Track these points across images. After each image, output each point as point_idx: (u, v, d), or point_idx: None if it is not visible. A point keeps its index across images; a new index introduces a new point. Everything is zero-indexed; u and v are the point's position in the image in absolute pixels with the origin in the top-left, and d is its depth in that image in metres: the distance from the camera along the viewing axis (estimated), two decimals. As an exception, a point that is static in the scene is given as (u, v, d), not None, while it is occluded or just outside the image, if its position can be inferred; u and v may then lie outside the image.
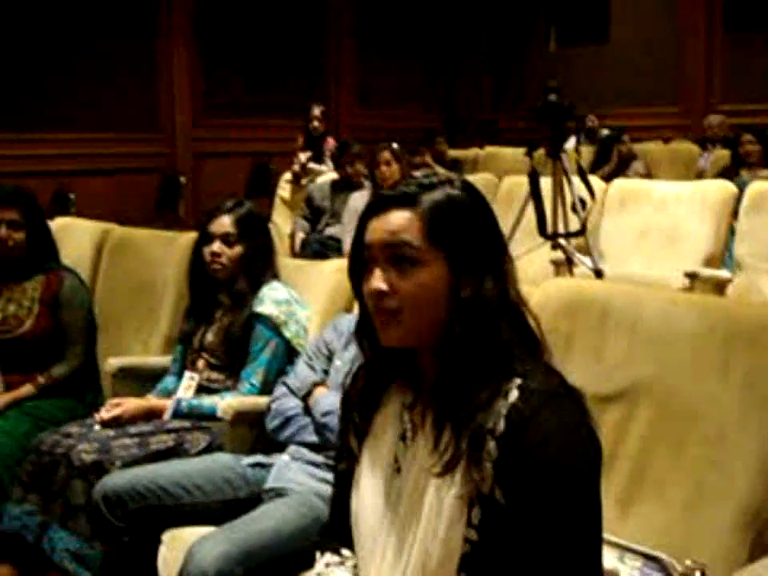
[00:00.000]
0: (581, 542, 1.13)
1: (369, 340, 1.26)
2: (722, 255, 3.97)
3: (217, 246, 2.49)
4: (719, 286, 3.71)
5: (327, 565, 1.34)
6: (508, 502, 1.13)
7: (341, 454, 1.35)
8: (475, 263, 1.18)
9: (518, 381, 1.15)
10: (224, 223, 2.51)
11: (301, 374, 2.16)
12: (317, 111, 6.42)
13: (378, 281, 1.19)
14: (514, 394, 1.14)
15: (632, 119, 7.36)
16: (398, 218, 1.19)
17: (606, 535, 1.60)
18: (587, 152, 6.61)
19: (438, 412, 1.19)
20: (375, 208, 1.22)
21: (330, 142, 6.31)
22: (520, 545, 1.12)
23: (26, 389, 2.71)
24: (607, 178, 4.58)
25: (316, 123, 6.38)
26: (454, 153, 7.45)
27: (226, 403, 2.29)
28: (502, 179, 4.76)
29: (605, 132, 6.56)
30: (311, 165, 6.16)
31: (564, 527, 1.11)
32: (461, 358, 1.17)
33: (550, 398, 1.14)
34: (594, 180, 4.20)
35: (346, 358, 2.09)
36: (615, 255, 4.08)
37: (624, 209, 4.17)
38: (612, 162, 6.08)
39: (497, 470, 1.13)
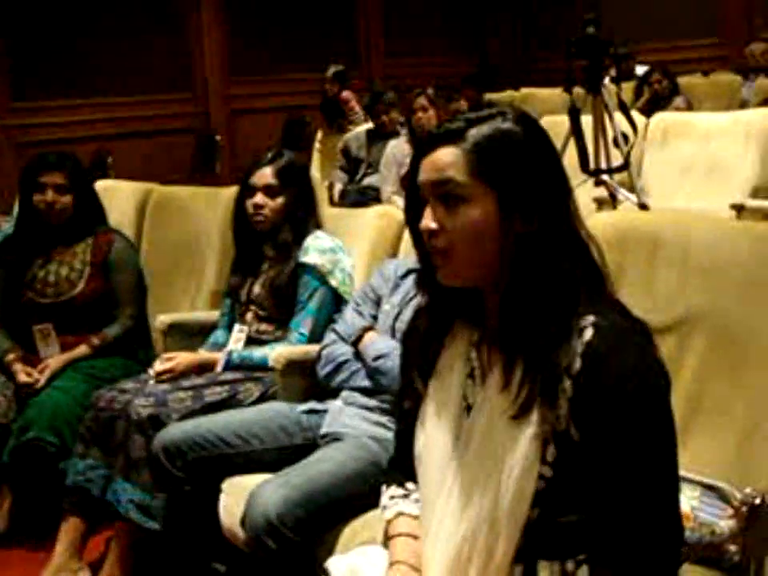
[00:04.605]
0: (660, 475, 1.14)
1: (431, 280, 1.25)
2: (769, 186, 3.89)
3: (259, 197, 2.50)
4: (768, 217, 3.64)
5: (392, 497, 1.36)
6: (583, 438, 1.13)
7: (404, 392, 1.36)
8: (528, 199, 1.16)
9: (591, 318, 1.15)
10: (265, 174, 2.51)
11: (350, 320, 2.16)
12: (329, 73, 6.42)
13: (426, 219, 1.19)
14: (588, 332, 1.14)
15: (668, 53, 7.16)
16: (444, 155, 1.18)
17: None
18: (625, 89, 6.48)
19: (506, 351, 1.18)
20: (424, 147, 1.21)
21: (347, 96, 6.29)
22: (596, 479, 1.13)
23: (81, 349, 2.75)
24: (644, 114, 4.48)
25: (327, 86, 6.38)
26: (489, 96, 7.35)
27: (276, 353, 2.30)
28: (539, 119, 4.68)
29: (639, 68, 6.41)
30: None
31: (645, 461, 1.12)
32: (520, 296, 1.16)
33: (625, 334, 1.14)
34: (636, 115, 4.12)
35: (394, 302, 2.11)
36: (659, 190, 4.00)
37: (666, 143, 4.08)
38: (642, 98, 5.94)
39: (573, 408, 1.13)
